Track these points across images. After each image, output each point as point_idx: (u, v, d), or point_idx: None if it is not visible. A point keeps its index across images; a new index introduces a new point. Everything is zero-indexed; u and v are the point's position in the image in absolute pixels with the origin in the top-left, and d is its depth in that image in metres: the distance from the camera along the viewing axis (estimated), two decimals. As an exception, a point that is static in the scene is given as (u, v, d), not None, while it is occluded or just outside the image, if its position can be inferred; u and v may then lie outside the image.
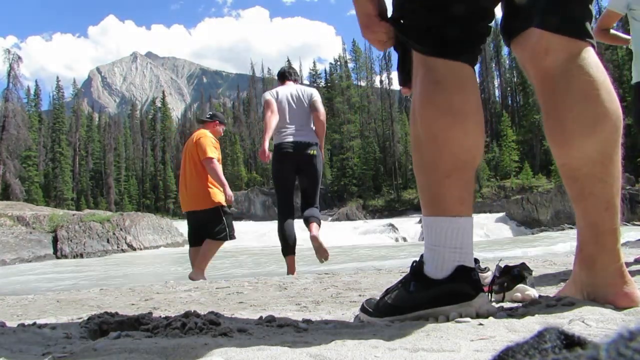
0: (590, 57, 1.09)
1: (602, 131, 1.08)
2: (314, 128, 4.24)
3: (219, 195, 4.49)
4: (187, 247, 4.86)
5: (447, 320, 1.07)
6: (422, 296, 1.11)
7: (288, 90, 4.25)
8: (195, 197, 4.49)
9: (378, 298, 1.25)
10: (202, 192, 4.46)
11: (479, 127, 1.11)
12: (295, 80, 4.47)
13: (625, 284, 1.11)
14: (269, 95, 4.21)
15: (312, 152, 4.16)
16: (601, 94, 1.08)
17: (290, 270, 4.16)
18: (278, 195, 4.38)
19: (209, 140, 4.50)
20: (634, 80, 3.54)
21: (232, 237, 4.57)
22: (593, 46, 1.12)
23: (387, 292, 1.22)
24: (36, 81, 60.36)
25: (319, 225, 4.12)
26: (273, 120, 4.07)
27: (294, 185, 4.37)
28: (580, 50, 1.09)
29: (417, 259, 1.19)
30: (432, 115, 1.09)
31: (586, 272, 1.15)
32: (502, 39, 1.22)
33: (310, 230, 4.06)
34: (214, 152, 4.45)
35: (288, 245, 4.16)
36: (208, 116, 4.90)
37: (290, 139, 4.11)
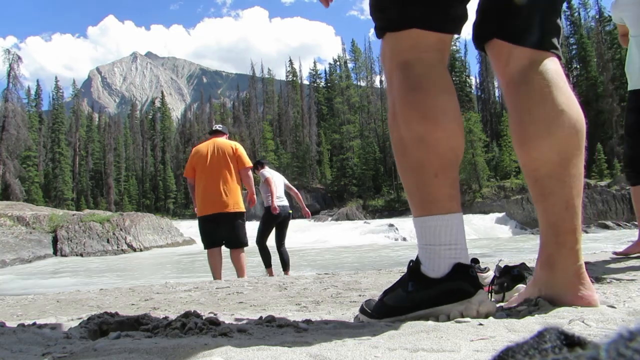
0: (551, 65, 1.14)
1: (558, 133, 1.11)
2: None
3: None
4: (187, 247, 5.05)
5: (448, 319, 1.07)
6: (421, 296, 1.12)
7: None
8: (234, 199, 4.82)
9: (377, 299, 1.25)
10: (239, 196, 4.91)
11: (461, 125, 1.15)
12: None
13: (582, 285, 1.14)
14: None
15: None
16: (558, 98, 1.12)
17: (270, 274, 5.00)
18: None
19: (244, 151, 5.05)
20: (630, 88, 3.42)
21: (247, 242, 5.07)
22: (557, 57, 1.17)
23: (386, 293, 1.23)
24: (37, 81, 60.39)
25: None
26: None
27: None
28: (541, 59, 1.14)
29: (414, 259, 1.21)
30: (415, 120, 1.11)
31: (546, 272, 1.17)
32: (473, 44, 1.25)
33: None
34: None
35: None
36: (220, 128, 5.27)
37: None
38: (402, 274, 2.92)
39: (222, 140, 4.96)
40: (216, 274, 4.73)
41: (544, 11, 1.15)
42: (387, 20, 1.15)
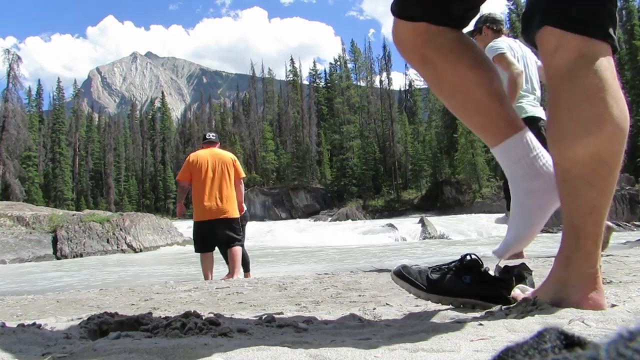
0: (602, 58, 1.06)
1: (597, 135, 1.06)
2: None
3: None
4: (187, 247, 5.18)
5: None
6: (477, 289, 1.29)
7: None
8: (232, 206, 5.11)
9: (429, 272, 1.37)
10: (235, 204, 5.18)
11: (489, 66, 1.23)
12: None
13: (595, 289, 1.12)
14: None
15: None
16: (604, 98, 1.05)
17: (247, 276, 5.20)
18: None
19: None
20: (522, 116, 3.46)
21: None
22: (612, 47, 1.08)
23: (435, 271, 1.37)
24: (39, 81, 60.51)
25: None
26: None
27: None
28: (591, 51, 1.05)
29: (471, 254, 1.36)
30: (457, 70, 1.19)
31: (561, 271, 1.17)
32: (523, 37, 1.22)
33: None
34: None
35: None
36: (214, 138, 5.43)
37: None
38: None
39: (220, 151, 5.25)
40: (207, 276, 4.98)
41: None
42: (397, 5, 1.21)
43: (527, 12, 1.16)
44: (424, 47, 1.18)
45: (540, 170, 1.15)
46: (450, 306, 1.37)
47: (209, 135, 5.35)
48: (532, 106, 3.68)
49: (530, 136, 1.18)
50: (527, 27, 1.16)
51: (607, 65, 1.06)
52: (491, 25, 3.84)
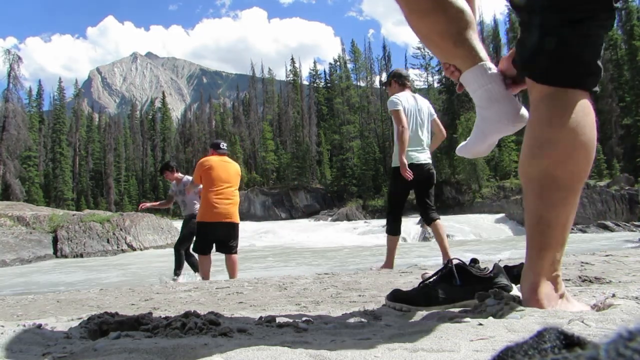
0: (567, 95, 1.19)
1: (544, 157, 1.19)
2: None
3: None
4: None
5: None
6: (469, 289, 1.36)
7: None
8: (237, 212, 5.48)
9: (410, 290, 1.47)
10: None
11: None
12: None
13: (536, 302, 1.19)
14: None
15: None
16: (558, 124, 1.18)
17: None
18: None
19: None
20: (393, 165, 4.28)
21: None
22: (587, 91, 1.22)
23: (430, 285, 1.45)
24: (39, 81, 60.51)
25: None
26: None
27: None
28: (555, 91, 1.19)
29: (456, 259, 1.44)
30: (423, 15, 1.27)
31: (522, 284, 1.26)
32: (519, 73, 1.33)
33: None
34: None
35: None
36: (226, 148, 5.68)
37: None
38: (402, 274, 2.91)
39: (231, 161, 5.62)
40: (207, 276, 5.20)
41: (584, 52, 1.19)
42: None
43: (515, 62, 1.29)
44: None
45: (490, 101, 1.27)
46: (448, 307, 1.37)
47: (223, 145, 5.66)
48: (417, 153, 4.30)
49: (489, 71, 1.26)
50: (520, 72, 1.29)
51: (569, 100, 1.19)
52: (397, 80, 4.45)
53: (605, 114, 40.89)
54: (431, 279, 1.45)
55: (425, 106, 4.39)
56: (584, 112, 1.21)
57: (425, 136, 4.37)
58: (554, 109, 1.20)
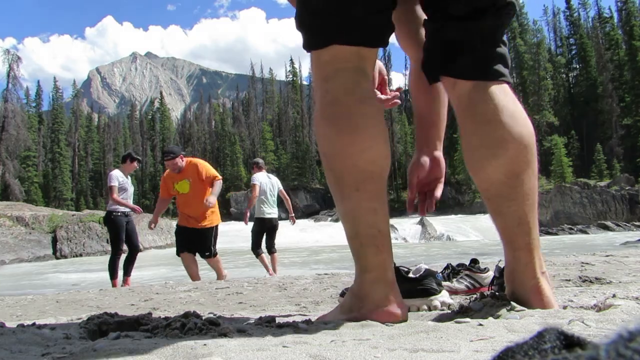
0: (494, 90, 1.15)
1: (503, 155, 1.13)
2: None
3: None
4: None
5: (418, 310, 1.33)
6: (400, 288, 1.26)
7: None
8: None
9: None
10: None
11: (382, 136, 1.13)
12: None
13: (540, 299, 1.17)
14: None
15: None
16: (502, 120, 1.13)
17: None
18: None
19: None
20: (262, 216, 6.66)
21: None
22: (505, 82, 1.19)
23: None
24: (38, 81, 60.51)
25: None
26: None
27: None
28: (484, 87, 1.15)
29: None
30: (334, 134, 1.11)
31: (509, 286, 1.23)
32: (426, 78, 1.26)
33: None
34: (160, 192, 5.76)
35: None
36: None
37: None
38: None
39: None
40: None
41: (482, 45, 1.17)
42: (309, 38, 1.15)
43: (424, 61, 1.23)
44: None
45: None
46: (448, 308, 1.37)
47: (261, 162, 6.84)
48: (269, 209, 6.67)
49: None
50: (427, 74, 1.23)
51: (501, 91, 1.16)
52: (256, 165, 6.78)
53: (605, 114, 40.93)
54: None
55: (275, 181, 6.87)
56: (514, 101, 1.18)
57: (274, 201, 6.73)
58: (498, 100, 1.15)
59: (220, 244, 5.59)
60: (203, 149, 65.04)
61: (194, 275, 5.26)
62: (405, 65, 52.74)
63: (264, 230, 6.65)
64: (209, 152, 64.69)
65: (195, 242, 5.35)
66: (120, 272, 5.84)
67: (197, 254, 5.39)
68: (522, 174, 1.14)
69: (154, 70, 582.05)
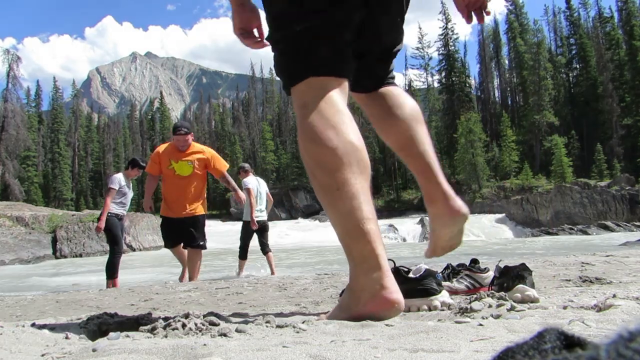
0: (386, 89, 1.59)
1: (400, 124, 1.58)
2: None
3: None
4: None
5: (418, 310, 1.35)
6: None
7: None
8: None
9: None
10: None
11: (357, 142, 1.31)
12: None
13: (449, 201, 1.49)
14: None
15: None
16: (396, 102, 1.59)
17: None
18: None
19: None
20: (244, 219, 7.00)
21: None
22: (391, 84, 1.62)
23: None
24: (37, 81, 60.49)
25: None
26: None
27: None
28: (380, 91, 1.59)
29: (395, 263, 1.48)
30: (312, 146, 1.29)
31: (429, 208, 1.55)
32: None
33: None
34: (147, 166, 5.36)
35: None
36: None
37: None
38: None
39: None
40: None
41: (382, 73, 1.59)
42: (287, 78, 1.38)
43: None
44: None
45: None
46: (448, 308, 1.37)
47: (248, 167, 7.06)
48: (259, 212, 6.92)
49: None
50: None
51: (388, 90, 1.61)
52: (243, 170, 6.99)
53: (605, 114, 40.89)
54: None
55: (262, 183, 7.14)
56: (399, 91, 1.64)
57: (264, 204, 7.05)
58: (389, 94, 1.61)
59: (220, 244, 5.58)
60: (203, 149, 65.06)
61: (185, 261, 5.12)
62: (405, 65, 52.79)
63: (253, 232, 6.85)
64: (209, 152, 64.69)
65: (184, 233, 4.96)
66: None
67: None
68: (417, 132, 1.54)
69: (153, 70, 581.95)
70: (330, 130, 1.25)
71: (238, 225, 7.90)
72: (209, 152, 5.20)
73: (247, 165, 7.09)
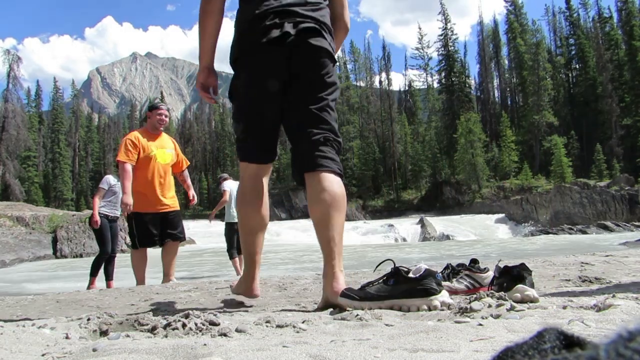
0: (318, 175, 1.84)
1: (323, 202, 1.82)
2: None
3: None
4: (187, 247, 5.15)
5: (418, 310, 1.40)
6: (398, 289, 1.50)
7: None
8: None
9: (357, 288, 1.64)
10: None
11: (266, 205, 2.02)
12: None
13: (333, 286, 1.72)
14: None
15: None
16: (322, 191, 1.83)
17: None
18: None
19: (123, 142, 4.48)
20: (226, 221, 7.22)
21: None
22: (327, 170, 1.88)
23: (367, 285, 1.63)
24: (37, 81, 60.48)
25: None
26: None
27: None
28: (314, 174, 1.87)
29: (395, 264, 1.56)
30: (241, 206, 2.02)
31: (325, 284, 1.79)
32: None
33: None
34: (123, 155, 4.36)
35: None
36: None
37: None
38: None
39: None
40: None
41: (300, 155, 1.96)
42: (238, 154, 2.00)
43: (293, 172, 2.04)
44: None
45: None
46: (448, 308, 1.37)
47: (227, 175, 7.51)
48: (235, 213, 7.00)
49: None
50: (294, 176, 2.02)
51: (318, 178, 1.85)
52: (223, 179, 7.40)
53: (605, 114, 40.89)
54: (379, 280, 1.61)
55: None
56: (331, 180, 1.90)
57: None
58: (317, 181, 1.91)
59: (219, 244, 5.56)
60: (203, 149, 65.07)
61: (142, 279, 4.40)
62: (405, 66, 52.79)
63: (235, 233, 6.95)
64: (209, 152, 64.71)
65: (163, 229, 4.39)
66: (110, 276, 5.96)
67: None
68: (331, 219, 1.77)
69: (154, 71, 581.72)
70: (250, 206, 1.99)
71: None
72: (174, 139, 4.93)
73: (226, 175, 7.71)
